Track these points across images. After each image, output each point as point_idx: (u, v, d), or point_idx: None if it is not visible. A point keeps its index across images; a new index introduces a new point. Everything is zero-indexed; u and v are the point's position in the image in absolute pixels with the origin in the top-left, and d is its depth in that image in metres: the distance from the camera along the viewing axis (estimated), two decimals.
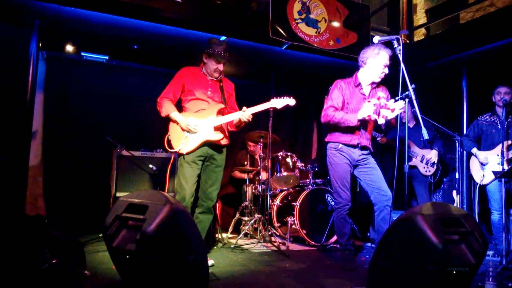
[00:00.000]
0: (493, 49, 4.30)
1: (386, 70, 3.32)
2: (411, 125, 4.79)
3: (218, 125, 3.32)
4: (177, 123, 3.28)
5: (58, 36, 4.49)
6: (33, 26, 3.97)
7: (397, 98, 2.99)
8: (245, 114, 3.28)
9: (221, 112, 3.38)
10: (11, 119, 4.19)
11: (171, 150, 3.28)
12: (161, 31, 4.18)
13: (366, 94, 3.41)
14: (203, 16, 4.02)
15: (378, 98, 3.11)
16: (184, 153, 3.24)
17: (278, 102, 3.40)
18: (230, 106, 3.52)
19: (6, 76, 4.37)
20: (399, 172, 2.89)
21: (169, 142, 3.29)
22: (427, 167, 4.68)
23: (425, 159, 4.68)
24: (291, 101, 3.43)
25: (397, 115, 3.10)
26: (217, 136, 3.31)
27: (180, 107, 3.40)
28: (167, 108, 3.29)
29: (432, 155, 4.68)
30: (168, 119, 3.34)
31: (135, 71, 5.25)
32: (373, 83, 3.40)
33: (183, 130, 3.27)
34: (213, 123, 3.30)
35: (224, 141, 3.39)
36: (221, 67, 3.38)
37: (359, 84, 3.41)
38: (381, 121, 3.09)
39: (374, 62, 3.30)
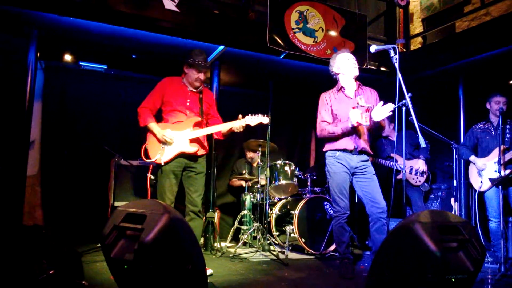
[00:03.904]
0: (489, 57, 4.34)
1: (353, 61, 3.47)
2: (392, 138, 4.84)
3: (194, 137, 3.39)
4: (154, 134, 3.34)
5: (57, 45, 4.51)
6: (32, 35, 3.98)
7: (394, 106, 3.03)
8: (244, 122, 3.40)
9: (197, 125, 3.44)
10: (9, 128, 4.19)
11: (148, 160, 3.35)
12: (159, 41, 4.20)
13: (352, 95, 3.49)
14: (201, 25, 4.05)
15: (357, 103, 3.26)
16: (162, 163, 3.31)
17: (252, 120, 3.46)
18: (211, 116, 3.60)
19: (4, 85, 4.39)
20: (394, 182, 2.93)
21: (146, 151, 3.36)
22: (417, 178, 4.70)
23: (413, 170, 4.70)
24: (265, 119, 3.51)
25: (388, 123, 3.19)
26: (192, 149, 3.37)
27: (160, 118, 3.46)
28: (145, 118, 3.37)
29: (420, 164, 4.70)
30: (146, 129, 3.41)
31: (133, 80, 5.26)
32: (356, 81, 3.52)
33: (159, 141, 3.33)
34: (189, 136, 3.37)
35: (201, 152, 3.46)
36: (202, 76, 3.43)
37: (342, 87, 3.51)
38: (365, 123, 3.22)
39: (339, 64, 3.49)
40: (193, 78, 3.41)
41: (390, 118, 3.06)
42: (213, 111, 3.63)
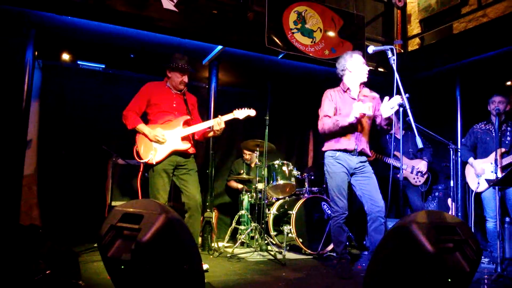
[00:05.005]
0: (486, 58, 4.36)
1: (367, 67, 3.47)
2: (399, 136, 4.84)
3: (185, 135, 3.48)
4: (145, 135, 3.40)
5: (55, 45, 4.50)
6: (29, 34, 3.97)
7: (401, 99, 3.00)
8: (221, 121, 3.46)
9: (187, 123, 3.54)
10: (6, 127, 4.17)
11: (141, 161, 3.40)
12: (157, 40, 4.20)
13: (356, 97, 3.49)
14: (200, 25, 4.05)
15: (364, 96, 3.19)
16: (154, 163, 3.37)
17: (240, 113, 3.58)
18: (194, 117, 3.68)
19: (1, 84, 4.36)
20: (392, 182, 2.93)
21: (137, 153, 3.43)
22: (417, 178, 4.71)
23: (414, 170, 4.71)
24: (252, 112, 3.62)
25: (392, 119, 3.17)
26: (185, 146, 3.47)
27: (146, 120, 3.53)
28: (133, 120, 3.43)
29: (421, 165, 4.71)
30: (135, 131, 3.46)
31: (131, 79, 5.25)
32: (361, 84, 3.52)
33: (151, 141, 3.39)
34: (180, 134, 3.46)
35: (192, 150, 3.56)
36: (185, 78, 3.57)
37: (348, 88, 3.50)
38: (369, 112, 3.19)
39: (354, 63, 3.44)
40: (177, 82, 3.54)
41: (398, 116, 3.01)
42: (195, 113, 3.73)
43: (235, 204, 5.43)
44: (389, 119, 3.31)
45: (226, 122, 3.53)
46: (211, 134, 3.63)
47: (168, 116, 3.50)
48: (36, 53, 4.07)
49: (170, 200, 4.30)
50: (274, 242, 4.69)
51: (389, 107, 3.08)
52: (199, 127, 3.54)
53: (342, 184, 3.41)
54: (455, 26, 4.80)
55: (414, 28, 5.34)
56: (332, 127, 3.35)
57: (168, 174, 3.44)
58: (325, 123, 3.40)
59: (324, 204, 4.56)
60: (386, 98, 3.15)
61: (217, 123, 3.47)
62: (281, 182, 4.66)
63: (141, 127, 3.41)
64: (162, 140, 3.38)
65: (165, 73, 3.61)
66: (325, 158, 3.51)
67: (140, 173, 3.54)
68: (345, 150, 3.40)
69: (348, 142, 3.40)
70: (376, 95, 3.49)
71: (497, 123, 3.88)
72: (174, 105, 3.56)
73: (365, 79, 3.47)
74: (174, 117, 3.51)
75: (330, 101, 3.47)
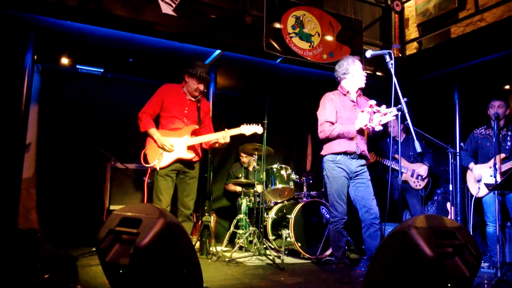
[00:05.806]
0: (484, 62, 4.37)
1: (365, 73, 3.51)
2: (400, 140, 4.85)
3: (191, 145, 3.56)
4: (154, 140, 3.50)
5: (54, 48, 4.51)
6: (29, 38, 3.98)
7: (390, 110, 3.04)
8: (227, 135, 3.57)
9: (195, 133, 3.62)
10: (5, 131, 4.17)
11: (146, 165, 3.51)
12: (156, 44, 4.21)
13: (354, 99, 3.51)
14: (198, 29, 4.06)
15: (370, 106, 3.20)
16: (158, 168, 3.47)
17: (247, 129, 3.69)
18: (204, 125, 3.76)
19: (0, 88, 4.36)
20: (391, 186, 2.93)
21: (145, 156, 3.53)
22: (417, 181, 4.71)
23: (415, 173, 4.71)
24: (259, 129, 3.74)
25: (387, 129, 3.17)
26: (189, 155, 3.56)
27: (158, 124, 3.62)
28: (146, 124, 3.54)
29: (422, 170, 4.71)
30: (146, 134, 3.56)
31: (130, 83, 5.26)
32: (358, 89, 3.54)
33: (159, 147, 3.49)
34: (187, 143, 3.54)
35: (196, 158, 3.65)
36: (201, 87, 3.64)
37: (348, 92, 3.51)
38: (378, 128, 3.15)
39: (355, 68, 3.47)
40: (193, 88, 3.61)
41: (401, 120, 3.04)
42: (207, 120, 3.80)
43: (234, 208, 5.42)
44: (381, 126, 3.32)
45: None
46: (216, 145, 3.68)
47: (178, 123, 3.58)
48: (35, 57, 4.08)
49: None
50: (273, 247, 4.68)
51: (385, 116, 3.11)
52: (205, 138, 3.60)
53: (342, 188, 3.40)
54: (452, 31, 4.82)
55: (412, 32, 5.36)
56: (336, 136, 3.36)
57: (172, 178, 3.55)
58: (326, 130, 3.38)
59: (322, 208, 4.56)
60: (383, 106, 3.16)
61: (223, 137, 3.55)
62: (279, 186, 4.65)
63: (152, 131, 3.51)
64: (169, 150, 3.48)
65: (183, 77, 3.67)
66: (325, 162, 3.49)
67: (147, 176, 3.63)
68: (345, 153, 3.39)
69: (349, 144, 3.39)
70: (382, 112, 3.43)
71: (495, 127, 3.89)
72: (186, 111, 3.62)
73: (364, 85, 3.50)
74: (183, 124, 3.59)
75: (331, 105, 3.44)
